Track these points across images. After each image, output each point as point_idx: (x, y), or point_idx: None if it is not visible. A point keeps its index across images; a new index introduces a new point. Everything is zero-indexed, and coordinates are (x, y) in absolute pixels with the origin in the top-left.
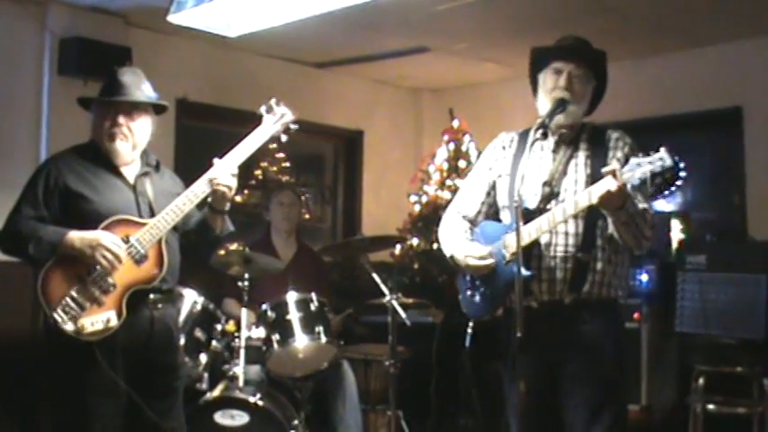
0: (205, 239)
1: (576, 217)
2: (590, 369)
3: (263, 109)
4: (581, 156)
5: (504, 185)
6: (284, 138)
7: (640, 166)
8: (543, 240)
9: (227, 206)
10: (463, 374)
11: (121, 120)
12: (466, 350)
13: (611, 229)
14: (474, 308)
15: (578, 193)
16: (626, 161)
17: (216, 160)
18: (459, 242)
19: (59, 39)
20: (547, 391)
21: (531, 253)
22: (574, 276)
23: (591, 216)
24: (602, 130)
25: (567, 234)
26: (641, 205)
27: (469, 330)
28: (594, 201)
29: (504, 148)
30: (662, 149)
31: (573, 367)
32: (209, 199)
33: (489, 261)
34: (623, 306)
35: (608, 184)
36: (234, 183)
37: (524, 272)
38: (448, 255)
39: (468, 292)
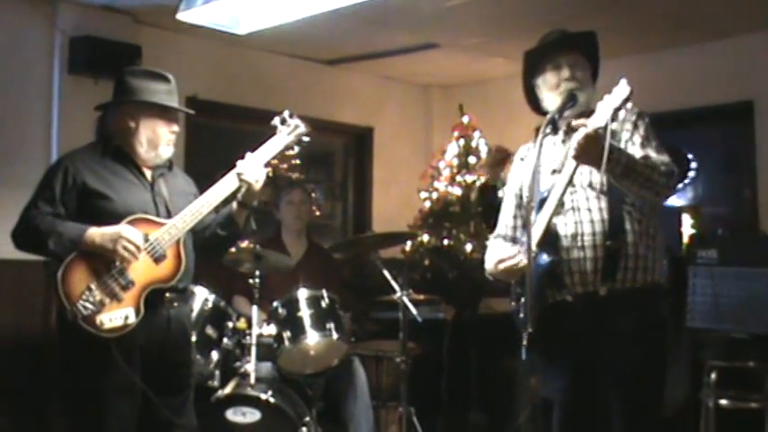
0: (227, 235)
1: (599, 202)
2: (629, 366)
3: (276, 120)
4: None
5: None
6: (297, 149)
7: (605, 105)
8: (570, 231)
9: (255, 201)
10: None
11: (176, 128)
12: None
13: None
14: (520, 319)
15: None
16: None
17: (249, 154)
18: (489, 256)
19: (69, 37)
20: (585, 388)
21: (559, 244)
22: (605, 266)
23: (615, 200)
24: None
25: (592, 222)
26: (639, 153)
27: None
28: (572, 154)
29: (522, 159)
30: (622, 81)
31: (611, 364)
32: (239, 195)
33: (519, 258)
34: (663, 289)
35: (578, 134)
36: (262, 175)
37: (546, 258)
38: (488, 274)
39: (513, 305)
